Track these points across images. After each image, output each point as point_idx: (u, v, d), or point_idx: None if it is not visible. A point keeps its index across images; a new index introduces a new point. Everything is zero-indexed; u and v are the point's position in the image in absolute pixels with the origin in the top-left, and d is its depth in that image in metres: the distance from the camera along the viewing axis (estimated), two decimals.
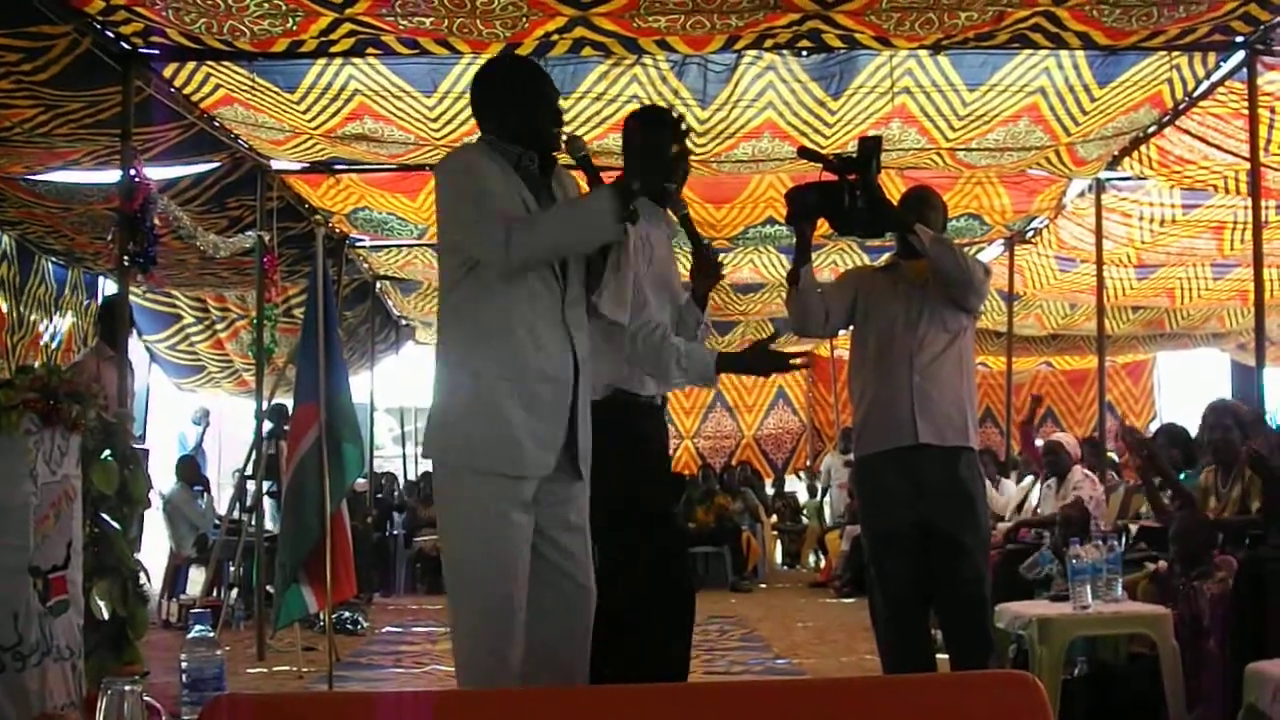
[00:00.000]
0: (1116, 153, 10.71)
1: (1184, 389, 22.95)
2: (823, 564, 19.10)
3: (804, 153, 6.44)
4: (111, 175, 9.71)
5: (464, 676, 4.71)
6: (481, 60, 8.63)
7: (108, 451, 5.72)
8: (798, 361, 5.64)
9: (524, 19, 7.65)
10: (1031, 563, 9.20)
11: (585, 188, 5.22)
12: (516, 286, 4.71)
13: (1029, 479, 12.96)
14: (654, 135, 5.34)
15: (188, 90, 9.06)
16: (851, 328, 6.86)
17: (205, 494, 15.69)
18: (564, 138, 5.11)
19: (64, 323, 13.68)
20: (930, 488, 6.41)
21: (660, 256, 5.52)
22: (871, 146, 6.38)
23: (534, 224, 4.69)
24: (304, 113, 9.45)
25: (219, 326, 17.00)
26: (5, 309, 12.40)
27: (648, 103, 9.24)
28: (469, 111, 9.27)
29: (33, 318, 13.02)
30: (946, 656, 6.83)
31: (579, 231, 4.75)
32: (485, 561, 4.64)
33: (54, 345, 13.44)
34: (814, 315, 6.66)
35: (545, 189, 4.92)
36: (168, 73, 8.77)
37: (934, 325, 6.54)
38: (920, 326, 6.52)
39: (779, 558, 21.34)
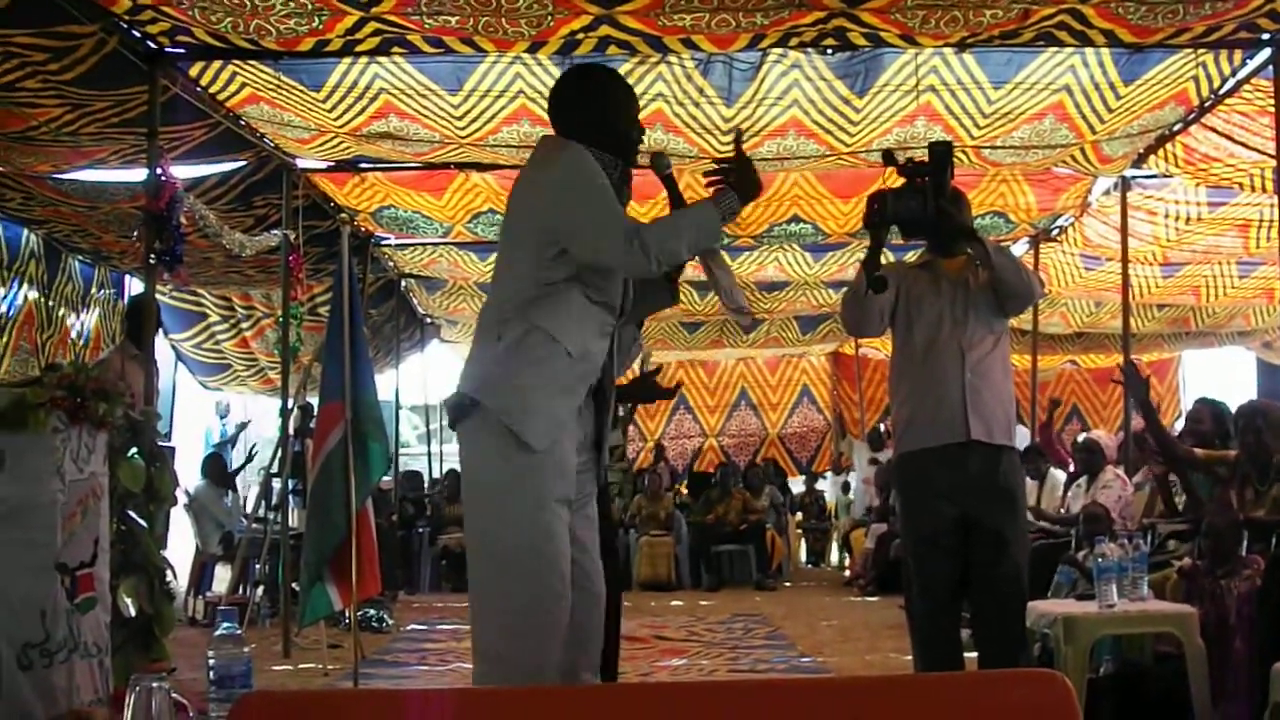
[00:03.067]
0: (1142, 150, 10.68)
1: (1209, 387, 22.87)
2: (848, 562, 19.11)
3: (886, 157, 6.43)
4: (138, 174, 9.73)
5: (496, 673, 4.67)
6: (507, 59, 8.65)
7: (134, 449, 5.75)
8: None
9: (549, 17, 7.65)
10: (1056, 586, 9.22)
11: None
12: (601, 289, 4.88)
13: (1032, 482, 12.93)
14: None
15: (214, 89, 9.09)
16: (892, 325, 6.84)
17: (231, 492, 15.74)
18: (649, 154, 5.18)
19: (91, 320, 13.72)
20: (975, 483, 6.42)
21: None
22: (944, 152, 6.38)
23: (657, 226, 4.83)
24: (329, 111, 9.47)
25: (244, 325, 17.02)
26: (34, 307, 12.44)
27: (674, 100, 9.24)
28: (494, 109, 9.39)
29: (61, 314, 13.06)
30: (974, 655, 6.84)
31: (699, 237, 4.87)
32: (540, 556, 4.66)
33: (81, 343, 13.49)
34: (874, 319, 6.68)
35: (623, 199, 4.98)
36: (194, 72, 8.80)
37: (980, 325, 6.56)
38: (968, 326, 6.54)
39: (803, 556, 21.34)
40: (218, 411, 20.10)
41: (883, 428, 20.21)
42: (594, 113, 5.02)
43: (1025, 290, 6.59)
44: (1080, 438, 12.08)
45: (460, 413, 4.79)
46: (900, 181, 6.36)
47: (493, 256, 14.32)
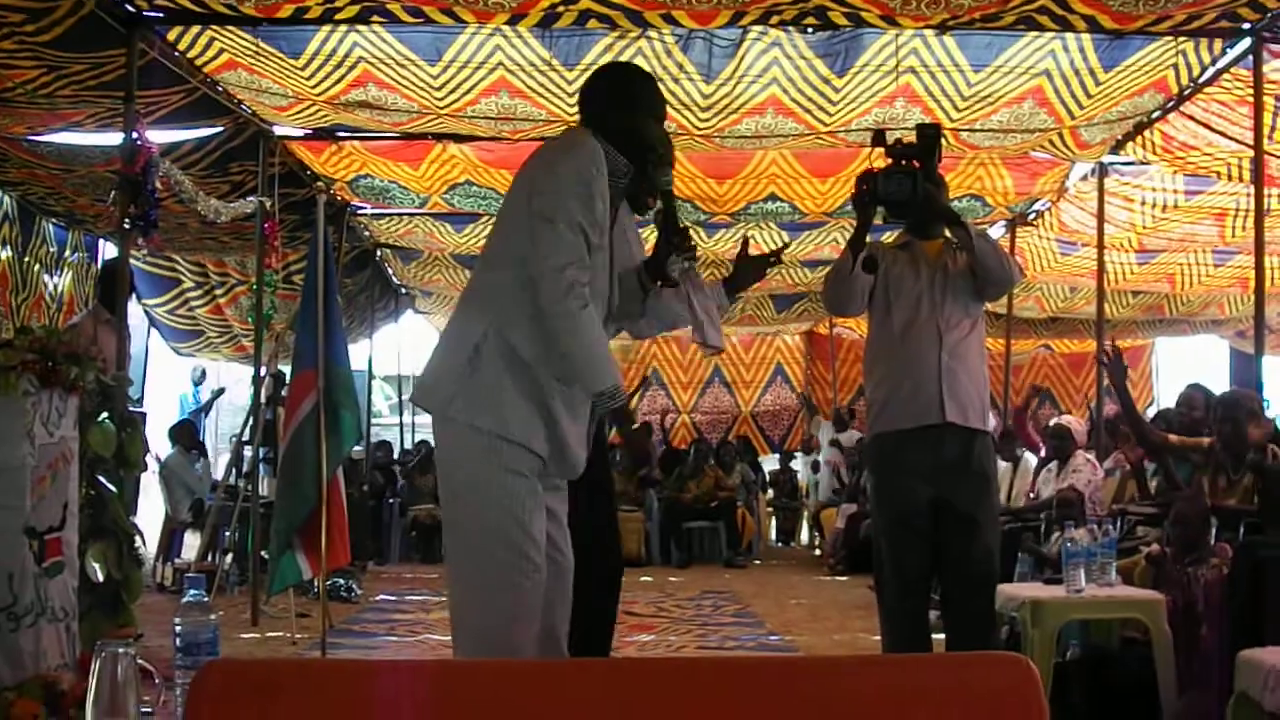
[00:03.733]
0: (1120, 137, 10.70)
1: (1182, 375, 22.94)
2: (817, 541, 19.16)
3: (876, 137, 6.45)
4: (114, 138, 9.69)
5: (476, 645, 4.68)
6: (487, 30, 8.62)
7: (105, 414, 5.73)
8: (774, 256, 5.57)
9: None
10: (1019, 576, 9.35)
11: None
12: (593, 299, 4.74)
13: (1006, 465, 12.95)
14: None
15: (191, 54, 9.05)
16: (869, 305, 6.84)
17: (202, 459, 15.71)
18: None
19: (64, 283, 13.67)
20: (948, 465, 6.46)
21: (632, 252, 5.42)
22: (932, 135, 6.42)
23: (583, 318, 4.60)
24: (308, 79, 9.43)
25: (218, 291, 16.97)
26: (8, 269, 12.39)
27: (652, 74, 9.22)
28: (473, 81, 9.36)
29: (36, 278, 13.01)
30: (940, 637, 6.87)
31: (582, 368, 4.67)
32: (515, 527, 4.65)
33: (55, 306, 13.44)
34: (857, 298, 6.68)
35: (615, 206, 4.93)
36: (171, 36, 8.76)
37: (957, 308, 6.60)
38: (946, 308, 6.58)
39: (774, 534, 21.38)
40: (192, 378, 20.06)
41: (845, 409, 20.28)
42: (624, 112, 4.99)
43: (1005, 276, 6.64)
44: (1051, 423, 12.12)
45: (431, 411, 4.84)
46: (887, 162, 6.39)
47: (469, 227, 14.42)
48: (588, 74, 9.07)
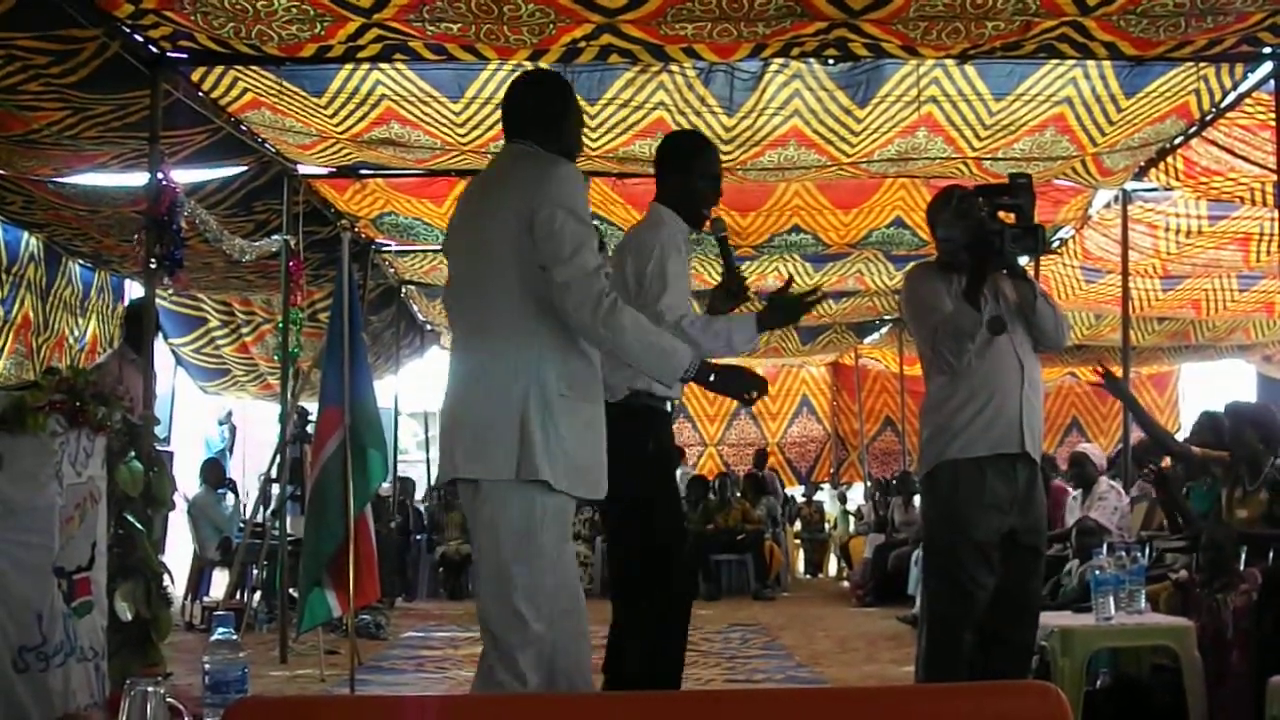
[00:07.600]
0: (1143, 163, 10.68)
1: (1209, 400, 22.88)
2: (845, 572, 19.14)
3: (982, 190, 6.50)
4: (139, 178, 9.74)
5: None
6: (509, 66, 8.66)
7: (132, 453, 5.75)
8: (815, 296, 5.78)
9: (551, 25, 7.64)
10: None
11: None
12: None
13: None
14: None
15: (215, 94, 9.09)
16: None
17: (230, 496, 15.76)
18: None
19: (89, 324, 13.73)
20: (1020, 497, 6.37)
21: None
22: (1026, 185, 6.42)
23: (642, 326, 4.69)
24: (331, 117, 9.47)
25: (244, 330, 17.03)
26: (31, 311, 12.45)
27: (675, 109, 9.27)
28: (495, 117, 9.40)
29: (59, 320, 13.07)
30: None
31: (655, 361, 4.80)
32: (569, 585, 4.72)
33: (79, 348, 13.49)
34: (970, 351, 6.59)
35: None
36: (195, 76, 8.79)
37: (1028, 340, 6.53)
38: (1021, 334, 6.50)
39: (801, 566, 21.34)
40: (219, 419, 20.14)
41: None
42: (550, 120, 5.04)
43: (1055, 341, 6.60)
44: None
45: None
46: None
47: None
48: (609, 109, 9.18)
